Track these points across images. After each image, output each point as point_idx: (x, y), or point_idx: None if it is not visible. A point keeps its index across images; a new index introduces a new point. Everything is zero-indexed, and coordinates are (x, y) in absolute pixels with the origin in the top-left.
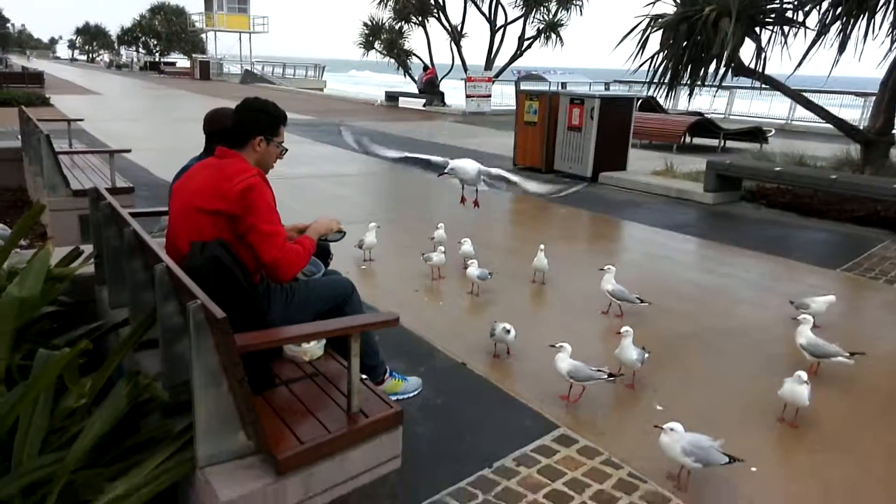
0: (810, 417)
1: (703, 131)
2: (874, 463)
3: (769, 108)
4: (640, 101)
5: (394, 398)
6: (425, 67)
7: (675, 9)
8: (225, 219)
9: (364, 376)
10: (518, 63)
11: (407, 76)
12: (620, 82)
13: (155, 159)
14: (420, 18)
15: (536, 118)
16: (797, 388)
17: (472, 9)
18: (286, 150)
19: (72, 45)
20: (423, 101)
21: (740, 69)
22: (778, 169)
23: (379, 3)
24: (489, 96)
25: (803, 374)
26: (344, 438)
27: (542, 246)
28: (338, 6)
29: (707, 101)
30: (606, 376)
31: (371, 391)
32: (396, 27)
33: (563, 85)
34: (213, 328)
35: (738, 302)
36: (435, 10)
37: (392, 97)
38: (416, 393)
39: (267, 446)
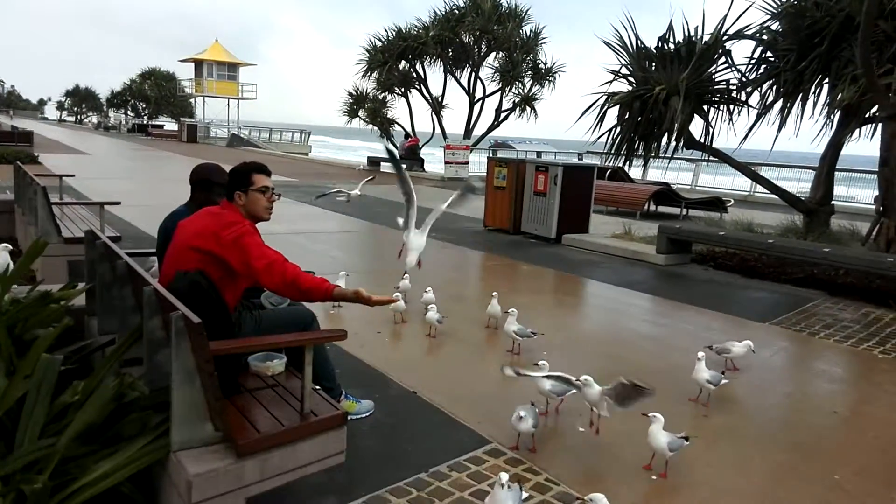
0: (716, 436)
1: (667, 200)
2: (761, 476)
3: (732, 181)
4: (608, 171)
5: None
6: (407, 135)
7: (629, 87)
8: (213, 258)
9: (317, 386)
10: (496, 133)
11: (389, 142)
12: (593, 153)
13: (139, 214)
14: (403, 90)
15: (505, 183)
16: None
17: (452, 82)
18: (273, 191)
19: (60, 107)
20: (404, 166)
21: (690, 143)
22: (722, 233)
23: (364, 75)
24: (467, 163)
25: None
26: (296, 431)
27: (494, 293)
28: (323, 76)
29: (674, 173)
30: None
31: (322, 398)
32: (380, 97)
33: (539, 154)
34: (190, 332)
35: (671, 348)
36: (417, 83)
37: (374, 162)
38: (368, 414)
39: (230, 434)
